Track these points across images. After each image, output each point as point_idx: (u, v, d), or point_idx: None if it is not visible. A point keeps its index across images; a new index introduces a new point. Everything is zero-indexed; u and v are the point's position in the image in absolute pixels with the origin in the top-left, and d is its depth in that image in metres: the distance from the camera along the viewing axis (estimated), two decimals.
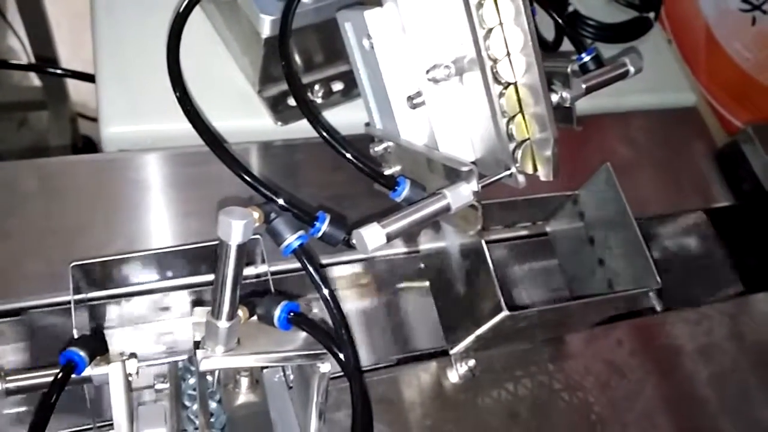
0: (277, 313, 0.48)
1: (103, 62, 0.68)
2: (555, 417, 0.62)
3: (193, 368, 0.55)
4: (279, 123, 0.69)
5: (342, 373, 0.51)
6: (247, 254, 0.48)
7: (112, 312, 0.56)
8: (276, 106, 0.69)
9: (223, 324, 0.46)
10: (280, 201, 0.52)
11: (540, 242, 0.74)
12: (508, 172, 0.54)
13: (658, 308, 0.73)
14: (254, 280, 0.60)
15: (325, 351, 0.48)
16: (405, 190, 0.56)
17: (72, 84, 1.34)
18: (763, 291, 0.76)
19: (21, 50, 1.33)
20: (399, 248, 0.67)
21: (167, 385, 0.53)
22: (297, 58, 0.68)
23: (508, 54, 0.52)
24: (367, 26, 0.55)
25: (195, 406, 0.53)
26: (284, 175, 0.66)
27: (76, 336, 0.50)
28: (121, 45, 0.68)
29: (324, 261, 0.64)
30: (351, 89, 0.71)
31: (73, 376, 0.46)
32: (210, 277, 0.59)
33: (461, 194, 0.50)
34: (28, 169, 0.61)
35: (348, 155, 0.58)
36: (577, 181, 0.67)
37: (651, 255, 0.60)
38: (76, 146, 1.34)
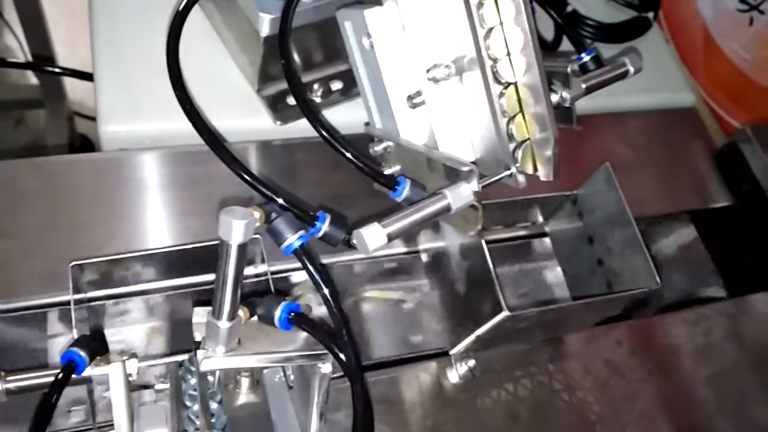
0: (277, 313, 0.48)
1: (102, 61, 0.67)
2: (555, 417, 0.63)
3: (193, 368, 0.54)
4: (278, 122, 0.69)
5: (341, 373, 0.51)
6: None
7: (112, 312, 0.56)
8: (275, 105, 0.69)
9: (223, 324, 0.45)
10: (280, 201, 0.52)
11: (539, 242, 0.74)
12: (508, 172, 0.54)
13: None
14: (254, 280, 0.60)
15: (326, 351, 0.47)
16: (405, 190, 0.56)
17: (69, 82, 1.33)
18: (761, 291, 0.76)
19: (18, 48, 1.32)
20: (399, 248, 0.67)
21: (168, 386, 0.53)
22: (296, 57, 0.68)
23: (509, 54, 0.52)
24: (367, 25, 0.55)
25: (196, 407, 0.53)
26: (283, 174, 0.66)
27: (75, 336, 0.49)
28: (120, 43, 0.68)
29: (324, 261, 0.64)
30: (350, 88, 0.71)
31: (73, 376, 0.46)
32: (210, 276, 0.59)
33: (462, 194, 0.50)
34: (27, 168, 0.61)
35: (348, 154, 0.57)
36: (576, 181, 0.67)
37: (650, 255, 0.60)
38: (73, 145, 1.34)
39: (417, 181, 0.57)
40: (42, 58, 1.29)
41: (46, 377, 0.46)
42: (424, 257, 0.67)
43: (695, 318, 0.72)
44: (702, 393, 0.68)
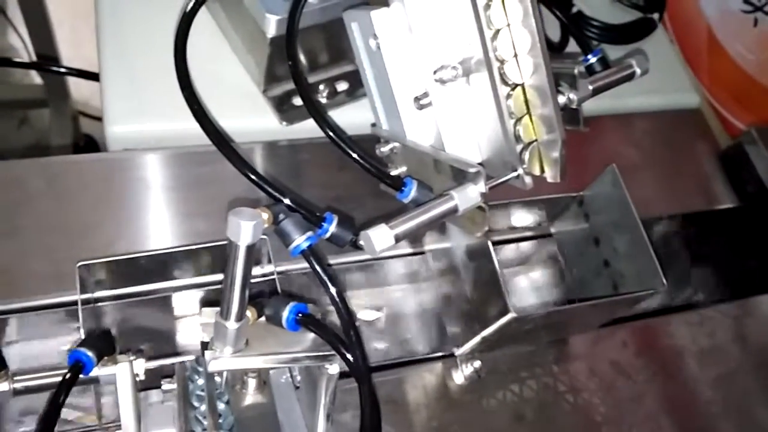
0: (285, 314, 0.48)
1: (108, 61, 0.67)
2: (560, 418, 0.63)
3: (201, 369, 0.54)
4: (284, 123, 0.69)
5: (348, 374, 0.51)
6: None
7: (119, 312, 0.56)
8: (281, 106, 0.69)
9: (231, 325, 0.45)
10: (287, 201, 0.52)
11: (545, 243, 0.74)
12: (515, 174, 0.54)
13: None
14: (260, 280, 0.60)
15: (333, 352, 0.47)
16: (412, 191, 0.56)
17: (73, 82, 1.33)
18: (766, 293, 0.76)
19: (22, 48, 1.33)
20: (405, 248, 0.67)
21: (175, 386, 0.53)
22: (302, 58, 0.68)
23: (516, 55, 0.52)
24: (374, 26, 0.55)
25: (203, 407, 0.52)
26: (289, 175, 0.66)
27: (83, 336, 0.49)
28: (126, 43, 0.68)
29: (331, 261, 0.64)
30: (356, 89, 0.71)
31: (80, 376, 0.46)
32: (218, 277, 0.59)
33: (469, 195, 0.50)
34: (32, 168, 0.61)
35: (355, 155, 0.57)
36: (582, 182, 0.67)
37: (657, 256, 0.60)
38: (78, 145, 1.34)
39: (424, 183, 0.57)
40: (46, 58, 1.29)
41: (53, 377, 0.46)
42: (430, 258, 0.67)
43: (699, 319, 0.72)
44: (707, 394, 0.68)
